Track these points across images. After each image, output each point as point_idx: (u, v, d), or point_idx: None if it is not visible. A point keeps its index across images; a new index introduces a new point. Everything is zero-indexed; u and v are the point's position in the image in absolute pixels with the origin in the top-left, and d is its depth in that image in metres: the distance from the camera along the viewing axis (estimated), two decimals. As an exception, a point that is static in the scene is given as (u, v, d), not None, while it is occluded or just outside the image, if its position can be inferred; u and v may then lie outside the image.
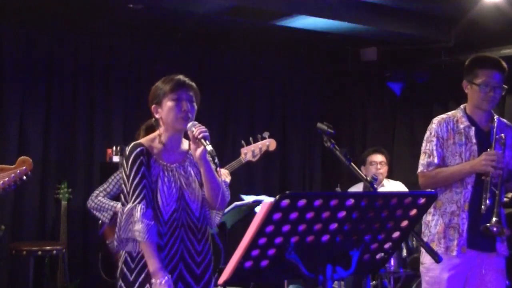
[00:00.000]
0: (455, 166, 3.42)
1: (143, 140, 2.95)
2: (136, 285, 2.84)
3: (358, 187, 5.62)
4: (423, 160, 3.51)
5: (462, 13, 5.90)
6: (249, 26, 6.17)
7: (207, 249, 2.98)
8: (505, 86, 3.45)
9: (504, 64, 3.47)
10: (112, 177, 4.52)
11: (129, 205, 2.81)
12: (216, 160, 2.79)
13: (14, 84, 5.99)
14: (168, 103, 2.87)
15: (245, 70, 7.40)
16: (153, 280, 2.75)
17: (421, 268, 3.54)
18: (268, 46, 6.95)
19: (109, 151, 6.11)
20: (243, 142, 4.31)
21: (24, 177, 3.56)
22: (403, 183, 5.96)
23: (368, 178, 2.66)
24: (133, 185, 2.82)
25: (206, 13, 5.72)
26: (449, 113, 3.57)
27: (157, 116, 2.93)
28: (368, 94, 7.90)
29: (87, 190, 6.31)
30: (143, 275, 2.82)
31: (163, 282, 2.73)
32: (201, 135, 2.79)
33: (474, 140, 3.42)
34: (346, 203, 1.98)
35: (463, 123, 3.47)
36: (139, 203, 2.79)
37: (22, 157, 3.65)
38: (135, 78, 6.65)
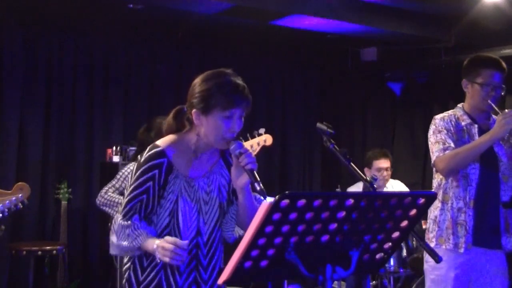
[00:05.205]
0: (471, 142, 3.37)
1: (165, 144, 2.52)
2: None
3: (357, 187, 5.60)
4: (437, 147, 3.41)
5: (462, 13, 5.90)
6: (249, 26, 6.17)
7: (214, 278, 2.60)
8: (504, 86, 3.47)
9: (504, 64, 3.50)
10: (120, 173, 4.54)
11: (120, 222, 2.46)
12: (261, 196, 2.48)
13: (14, 84, 5.99)
14: (217, 119, 2.44)
15: (245, 70, 7.37)
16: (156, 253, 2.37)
17: (426, 266, 3.51)
18: (268, 46, 6.95)
19: (109, 151, 6.11)
20: (241, 138, 4.42)
21: (20, 205, 3.30)
22: (403, 183, 5.95)
23: (368, 178, 2.65)
24: (130, 197, 2.48)
25: (206, 13, 5.72)
26: (449, 111, 3.58)
27: (196, 122, 2.49)
28: (368, 94, 7.91)
29: (87, 190, 6.32)
30: None
31: (156, 244, 2.36)
32: (248, 167, 2.41)
33: (476, 137, 3.42)
34: (345, 203, 1.98)
35: (465, 121, 3.48)
36: (129, 219, 2.45)
37: (20, 183, 3.38)
38: (134, 78, 6.65)
